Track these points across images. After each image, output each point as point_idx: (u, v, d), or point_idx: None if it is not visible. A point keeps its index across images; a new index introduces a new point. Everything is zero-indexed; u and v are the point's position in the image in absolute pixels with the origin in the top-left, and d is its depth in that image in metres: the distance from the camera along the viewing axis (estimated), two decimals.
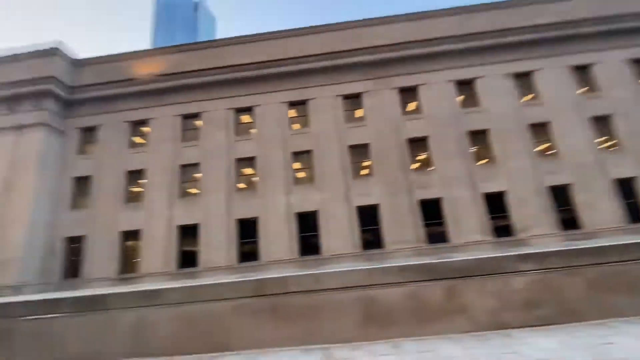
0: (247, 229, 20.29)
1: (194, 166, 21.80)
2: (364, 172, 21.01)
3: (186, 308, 5.41)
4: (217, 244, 19.66)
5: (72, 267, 20.65)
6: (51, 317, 5.51)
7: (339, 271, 5.48)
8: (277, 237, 19.46)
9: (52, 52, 23.25)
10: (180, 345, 5.25)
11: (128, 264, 20.44)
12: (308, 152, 21.34)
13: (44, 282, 19.99)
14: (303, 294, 5.28)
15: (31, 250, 19.86)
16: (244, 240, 20.12)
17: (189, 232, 20.50)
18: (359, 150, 21.09)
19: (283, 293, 5.27)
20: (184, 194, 21.43)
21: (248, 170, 21.72)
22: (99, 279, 19.37)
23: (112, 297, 5.47)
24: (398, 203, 19.52)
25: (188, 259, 19.94)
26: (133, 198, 21.65)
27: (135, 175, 22.04)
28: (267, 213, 19.98)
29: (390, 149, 20.63)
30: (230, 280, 5.67)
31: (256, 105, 22.38)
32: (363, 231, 19.49)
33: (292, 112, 22.55)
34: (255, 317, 5.24)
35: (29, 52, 23.37)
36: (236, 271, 18.40)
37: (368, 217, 19.67)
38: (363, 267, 5.70)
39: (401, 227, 19.09)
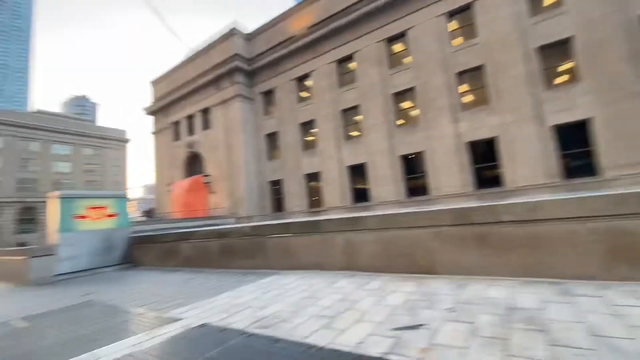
0: (413, 164, 19.97)
1: (354, 109, 22.61)
2: (562, 78, 16.03)
3: (386, 233, 5.78)
4: (384, 181, 20.44)
5: (277, 203, 26.71)
6: (286, 236, 7.19)
7: (567, 198, 4.40)
8: (447, 170, 18.26)
9: (232, 33, 28.08)
10: (383, 264, 5.75)
11: (313, 200, 24.51)
12: (477, 69, 17.99)
13: (262, 214, 26.95)
14: (517, 224, 4.61)
15: (250, 192, 26.81)
16: (411, 175, 20.01)
17: (357, 171, 22.19)
18: (555, 50, 15.98)
19: (491, 222, 4.77)
20: (349, 137, 22.90)
21: (407, 104, 20.68)
22: (296, 212, 24.29)
23: (325, 222, 6.50)
24: (623, 113, 14.08)
25: (360, 195, 21.86)
26: (309, 146, 25.02)
27: (307, 126, 25.15)
28: (433, 145, 18.81)
29: (608, 39, 14.55)
30: (428, 210, 5.59)
31: (409, 28, 20.21)
32: (563, 156, 15.48)
33: (453, 25, 19.13)
34: (459, 244, 5.05)
35: (218, 38, 29.15)
36: (404, 206, 18.80)
37: (570, 137, 15.31)
38: (606, 193, 4.36)
39: (629, 146, 13.91)
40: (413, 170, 20.02)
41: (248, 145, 27.23)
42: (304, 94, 25.66)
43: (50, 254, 9.79)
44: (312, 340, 3.21)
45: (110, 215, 11.35)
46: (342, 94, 23.07)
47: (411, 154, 19.85)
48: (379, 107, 21.01)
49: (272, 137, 27.25)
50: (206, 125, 30.64)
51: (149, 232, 12.61)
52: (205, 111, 30.65)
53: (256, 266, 7.79)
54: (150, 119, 36.79)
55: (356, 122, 22.72)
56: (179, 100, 32.69)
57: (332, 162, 23.01)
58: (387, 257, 5.76)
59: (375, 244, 5.94)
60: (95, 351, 3.55)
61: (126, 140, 71.86)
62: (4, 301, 7.47)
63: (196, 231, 9.65)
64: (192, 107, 31.44)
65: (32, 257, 9.45)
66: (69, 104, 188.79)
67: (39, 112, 67.49)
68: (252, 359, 2.90)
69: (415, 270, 5.45)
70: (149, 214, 38.83)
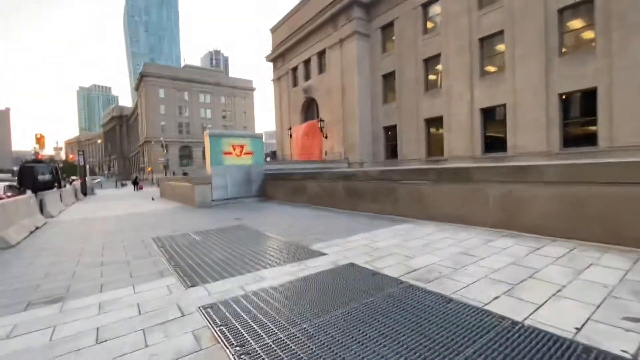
0: (576, 105, 15.49)
1: (495, 37, 18.37)
2: None
3: (572, 189, 4.37)
4: (530, 127, 16.67)
5: (391, 150, 25.65)
6: (421, 183, 6.45)
7: None
8: (635, 114, 13.43)
9: None
10: (563, 227, 4.46)
11: (433, 147, 22.41)
12: None
13: (374, 160, 26.51)
14: None
15: (363, 137, 26.36)
16: (571, 120, 15.68)
17: (492, 115, 18.75)
18: None
19: None
20: (484, 74, 19.13)
21: (578, 23, 15.44)
22: (412, 160, 22.86)
23: (476, 170, 5.43)
24: None
25: (493, 144, 18.70)
26: (431, 86, 22.23)
27: (431, 62, 22.11)
28: (616, 78, 13.88)
29: None
30: None
31: None
32: None
33: None
34: None
35: None
36: (557, 159, 15.09)
37: None
38: None
39: None
40: (576, 113, 15.56)
41: (363, 87, 26.11)
42: (429, 25, 22.18)
43: (208, 183, 11.74)
44: (497, 309, 2.58)
45: (248, 153, 12.71)
46: (480, 18, 18.85)
47: (576, 91, 15.25)
48: (534, 30, 16.34)
49: (388, 78, 25.29)
50: (321, 69, 30.54)
51: (278, 171, 13.79)
52: (321, 55, 30.32)
53: (383, 211, 7.44)
54: (271, 67, 39.07)
55: (497, 54, 18.57)
56: (297, 45, 33.14)
57: (460, 104, 19.99)
58: (570, 219, 4.44)
59: (552, 201, 4.63)
60: (260, 272, 3.82)
61: (252, 89, 79.80)
62: (181, 217, 9.37)
63: (323, 172, 9.85)
64: (309, 51, 31.51)
65: (196, 184, 11.51)
66: (206, 58, 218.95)
67: (187, 66, 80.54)
68: (430, 319, 2.49)
69: (617, 240, 4.03)
70: (271, 156, 43.45)
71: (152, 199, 17.86)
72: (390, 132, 25.45)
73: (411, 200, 6.80)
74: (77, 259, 4.81)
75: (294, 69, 34.77)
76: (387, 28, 25.12)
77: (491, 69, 18.98)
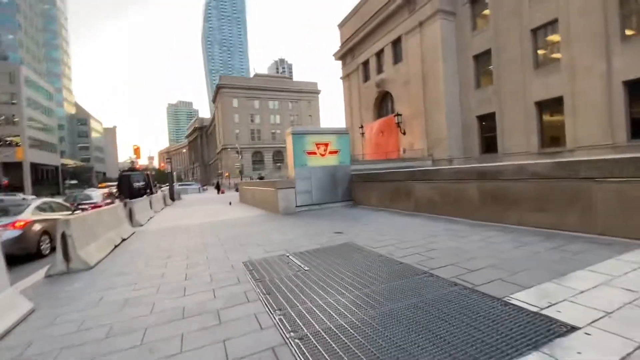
0: None
1: None
2: None
3: None
4: None
5: (487, 143, 21.74)
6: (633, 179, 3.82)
7: None
8: None
9: None
10: None
11: (548, 137, 18.10)
12: None
13: (465, 156, 22.84)
14: None
15: (451, 130, 22.92)
16: None
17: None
18: None
19: None
20: (626, 38, 14.49)
21: None
22: (517, 154, 18.82)
23: None
24: None
25: None
26: (544, 61, 18.01)
27: (542, 32, 17.91)
28: None
29: None
30: None
31: None
32: None
33: None
34: None
35: None
36: None
37: None
38: None
39: None
40: None
41: (449, 73, 22.72)
42: None
43: (291, 187, 10.38)
44: None
45: (333, 152, 11.05)
46: None
47: None
48: None
49: (481, 59, 21.49)
50: (397, 58, 27.86)
51: (366, 171, 11.85)
52: (396, 43, 27.66)
53: (560, 225, 4.91)
54: (337, 68, 37.60)
55: None
56: (367, 37, 31.01)
57: (589, 78, 15.57)
58: None
59: None
60: None
61: (317, 91, 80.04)
62: (269, 228, 8.05)
63: (440, 170, 7.57)
64: (381, 41, 29.10)
65: (279, 189, 10.23)
66: (272, 68, 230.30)
67: (257, 75, 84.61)
68: None
69: None
70: None
71: (230, 203, 17.61)
72: (486, 122, 21.58)
73: (623, 207, 4.18)
74: (153, 299, 3.48)
75: (365, 63, 32.67)
76: (478, 1, 21.41)
77: (631, 32, 14.28)
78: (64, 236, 4.86)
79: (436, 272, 3.54)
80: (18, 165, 54.87)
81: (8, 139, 54.74)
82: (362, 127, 32.68)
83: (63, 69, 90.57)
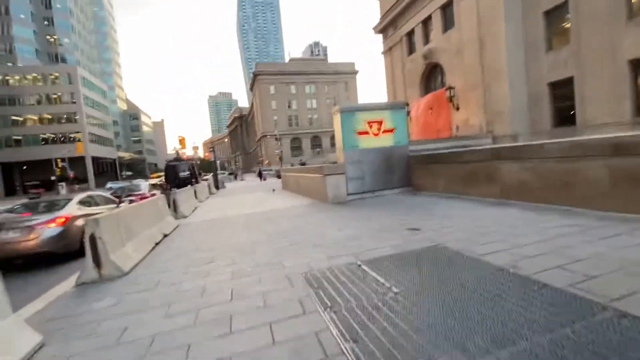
0: None
1: None
2: None
3: None
4: None
5: (561, 114, 18.63)
6: None
7: None
8: None
9: None
10: None
11: None
12: None
13: (533, 131, 19.87)
14: None
15: (515, 101, 19.98)
16: None
17: None
18: None
19: None
20: None
21: None
22: (605, 125, 15.72)
23: None
24: None
25: None
26: None
27: None
28: None
29: None
30: None
31: None
32: None
33: None
34: None
35: None
36: None
37: None
38: None
39: None
40: None
41: (513, 35, 19.62)
42: None
43: (341, 173, 9.18)
44: None
45: (388, 131, 9.59)
46: None
47: None
48: None
49: (554, 15, 18.13)
50: (447, 25, 24.88)
51: (428, 151, 10.24)
52: (446, 7, 24.64)
53: None
54: (375, 46, 34.93)
55: None
56: (411, 4, 28.11)
57: None
58: None
59: None
60: None
61: (354, 72, 77.01)
62: (322, 221, 7.00)
63: (543, 146, 5.86)
64: (428, 7, 26.15)
65: (327, 175, 9.09)
66: (306, 52, 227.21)
67: (292, 59, 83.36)
68: None
69: None
70: None
71: (274, 190, 17.00)
72: (560, 90, 18.39)
73: None
74: (189, 338, 2.51)
75: (409, 34, 29.85)
76: None
77: None
78: (93, 238, 4.14)
79: (624, 307, 2.14)
80: (81, 160, 60.01)
81: (71, 135, 59.87)
82: (407, 105, 30.23)
83: (114, 67, 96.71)
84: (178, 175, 20.50)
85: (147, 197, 12.16)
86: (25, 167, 58.03)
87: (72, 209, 6.82)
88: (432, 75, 28.31)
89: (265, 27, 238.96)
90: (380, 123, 9.49)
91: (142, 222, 5.85)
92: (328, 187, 9.06)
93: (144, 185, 13.40)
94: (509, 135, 19.90)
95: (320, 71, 75.53)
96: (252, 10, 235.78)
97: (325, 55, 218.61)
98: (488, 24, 20.74)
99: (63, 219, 6.36)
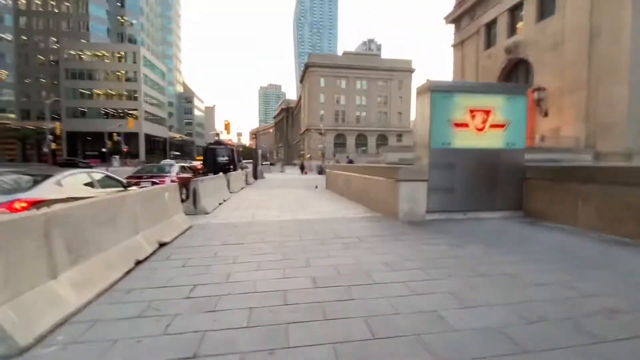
0: None
1: None
2: None
3: None
4: None
5: None
6: None
7: None
8: None
9: None
10: None
11: None
12: None
13: None
14: None
15: (635, 110, 15.48)
16: None
17: None
18: None
19: None
20: None
21: None
22: None
23: None
24: None
25: None
26: None
27: None
28: None
29: None
30: None
31: None
32: None
33: None
34: None
35: None
36: None
37: None
38: None
39: None
40: None
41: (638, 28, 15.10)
42: None
43: (422, 180, 6.36)
44: None
45: (497, 126, 6.56)
46: None
47: None
48: None
49: None
50: (544, 11, 20.52)
51: (554, 163, 7.02)
52: None
53: None
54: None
55: None
56: None
57: None
58: None
59: None
60: None
61: (411, 70, 72.25)
62: (401, 258, 4.33)
63: None
64: None
65: (401, 180, 6.31)
66: (359, 49, 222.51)
67: (345, 53, 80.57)
68: None
69: None
70: None
71: (316, 187, 15.02)
72: None
73: None
74: None
75: (489, 25, 25.63)
76: None
77: None
78: None
79: None
80: (135, 136, 62.82)
81: (130, 112, 62.84)
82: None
83: (175, 51, 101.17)
84: (216, 160, 18.94)
85: (173, 182, 10.32)
86: (89, 138, 62.02)
87: (45, 190, 4.84)
88: (513, 74, 23.94)
89: (321, 21, 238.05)
90: (487, 113, 6.49)
91: (113, 230, 3.59)
92: (401, 198, 6.30)
93: (174, 167, 11.65)
94: (619, 154, 15.48)
95: (374, 66, 71.77)
96: (310, 4, 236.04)
97: (379, 52, 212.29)
98: (607, 9, 16.32)
99: (23, 204, 4.36)
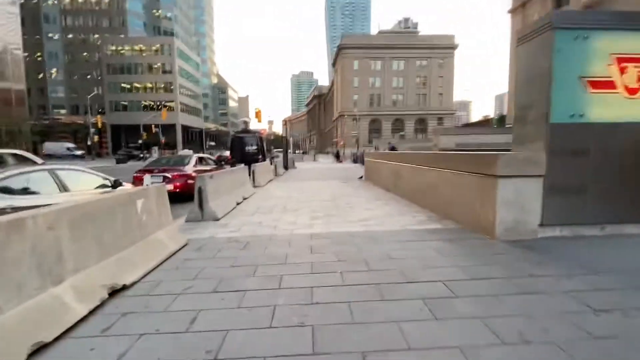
0: None
1: None
2: None
3: None
4: None
5: None
6: None
7: None
8: None
9: None
10: None
11: None
12: None
13: None
14: None
15: None
16: None
17: None
18: None
19: None
20: None
21: None
22: None
23: None
24: None
25: None
26: None
27: None
28: None
29: None
30: None
31: None
32: None
33: None
34: None
35: None
36: None
37: None
38: None
39: None
40: None
41: None
42: None
43: (536, 175, 3.99)
44: None
45: None
46: None
47: None
48: None
49: None
50: None
51: None
52: None
53: None
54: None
55: None
56: None
57: None
58: None
59: None
60: None
61: (454, 46, 66.21)
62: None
63: None
64: None
65: (502, 177, 3.99)
66: (394, 29, 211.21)
67: (381, 32, 75.86)
68: None
69: None
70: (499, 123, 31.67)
71: (361, 177, 13.65)
72: None
73: None
74: None
75: None
76: None
77: None
78: None
79: None
80: (172, 127, 64.31)
81: (167, 104, 64.18)
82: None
83: (208, 42, 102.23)
84: (244, 150, 17.43)
85: (191, 177, 8.80)
86: (131, 131, 64.55)
87: None
88: None
89: (353, 3, 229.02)
90: None
91: (123, 234, 1.78)
92: (500, 203, 4.00)
93: (192, 158, 10.15)
94: None
95: (412, 44, 66.66)
96: None
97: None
98: None
99: None
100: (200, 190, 5.72)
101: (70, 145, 44.98)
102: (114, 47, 64.15)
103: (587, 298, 2.50)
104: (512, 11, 26.11)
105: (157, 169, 9.08)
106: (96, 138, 48.19)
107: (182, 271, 3.33)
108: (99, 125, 41.75)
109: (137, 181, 8.98)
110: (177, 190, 8.85)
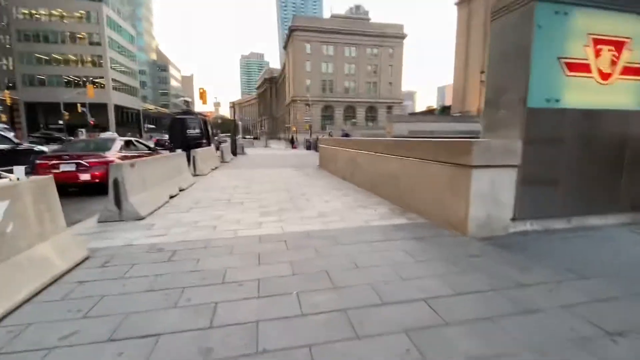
0: None
1: None
2: None
3: None
4: None
5: None
6: None
7: None
8: None
9: None
10: None
11: None
12: None
13: None
14: None
15: None
16: None
17: None
18: None
19: None
20: None
21: None
22: None
23: None
24: None
25: None
26: None
27: None
28: None
29: None
30: None
31: None
32: None
33: None
34: None
35: None
36: None
37: None
38: None
39: None
40: None
41: None
42: None
43: (509, 165, 3.62)
44: None
45: (632, 71, 3.80)
46: None
47: None
48: None
49: None
50: None
51: None
52: None
53: None
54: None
55: None
56: None
57: None
58: None
59: None
60: None
61: (403, 36, 67.84)
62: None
63: None
64: None
65: (475, 167, 3.54)
66: (348, 14, 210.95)
67: (333, 16, 74.79)
68: None
69: None
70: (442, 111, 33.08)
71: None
72: None
73: None
74: None
75: None
76: None
77: None
78: None
79: None
80: (104, 108, 57.10)
81: (95, 80, 56.43)
82: (483, 72, 23.26)
83: (145, 13, 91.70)
84: (185, 133, 15.61)
85: (111, 162, 7.24)
86: (48, 109, 55.79)
87: None
88: None
89: None
90: (621, 46, 3.70)
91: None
92: (474, 197, 3.57)
93: (115, 142, 8.47)
94: None
95: (364, 32, 66.89)
96: None
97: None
98: None
99: None
100: (116, 182, 4.51)
101: None
102: (26, 10, 54.16)
103: (592, 316, 2.09)
104: (459, 3, 26.98)
105: (70, 154, 7.37)
106: (3, 117, 40.73)
107: (67, 304, 2.31)
108: (8, 101, 35.28)
109: (42, 170, 7.23)
110: (97, 180, 7.32)
